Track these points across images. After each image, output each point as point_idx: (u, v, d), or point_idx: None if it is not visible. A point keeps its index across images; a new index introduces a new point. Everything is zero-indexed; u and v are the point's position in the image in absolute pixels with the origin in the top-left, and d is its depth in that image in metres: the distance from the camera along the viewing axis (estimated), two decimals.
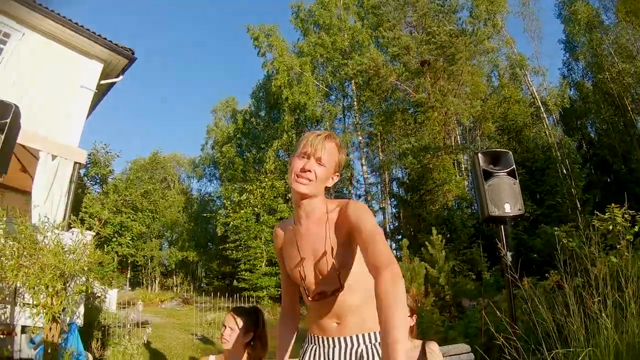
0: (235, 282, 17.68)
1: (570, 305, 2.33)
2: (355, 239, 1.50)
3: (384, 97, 20.93)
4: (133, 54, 8.17)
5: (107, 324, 7.39)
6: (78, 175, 7.13)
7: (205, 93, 59.78)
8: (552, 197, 17.55)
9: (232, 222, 17.28)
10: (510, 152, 3.20)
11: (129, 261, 22.67)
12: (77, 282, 4.73)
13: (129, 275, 23.71)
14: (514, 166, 3.10)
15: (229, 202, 18.88)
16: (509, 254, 2.78)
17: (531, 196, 18.17)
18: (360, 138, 22.30)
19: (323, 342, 1.67)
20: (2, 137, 3.11)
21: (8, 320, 4.97)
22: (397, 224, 20.96)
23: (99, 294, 6.80)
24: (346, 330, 1.61)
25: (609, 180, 22.01)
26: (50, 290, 4.13)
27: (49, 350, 4.45)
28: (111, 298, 9.57)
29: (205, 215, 24.84)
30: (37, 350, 5.14)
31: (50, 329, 4.34)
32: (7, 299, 4.76)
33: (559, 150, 19.58)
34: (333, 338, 1.63)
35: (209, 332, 9.78)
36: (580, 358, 2.06)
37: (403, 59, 18.70)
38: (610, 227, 6.96)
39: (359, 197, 23.03)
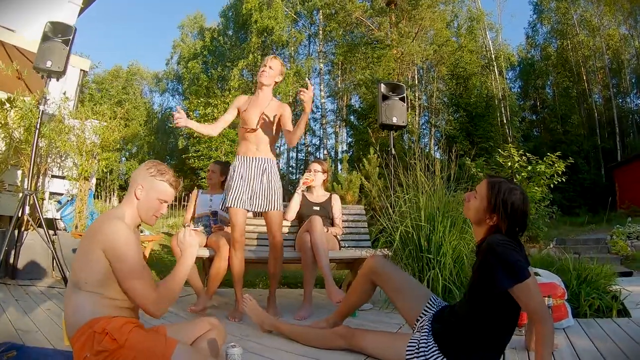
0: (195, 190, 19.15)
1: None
2: (282, 119, 2.96)
3: (348, 29, 22.08)
4: None
5: None
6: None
7: (171, 9, 56.67)
8: (486, 141, 19.65)
9: (195, 134, 18.38)
10: (404, 85, 4.97)
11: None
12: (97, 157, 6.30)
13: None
14: (405, 94, 4.85)
15: (193, 115, 19.83)
16: (393, 149, 4.65)
17: (468, 137, 20.46)
18: (322, 65, 23.66)
19: (246, 159, 2.94)
20: (68, 48, 4.29)
21: (40, 188, 6.32)
22: (348, 150, 23.03)
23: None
24: (259, 153, 2.95)
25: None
26: (85, 156, 5.75)
27: (79, 204, 6.16)
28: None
29: (170, 125, 25.63)
30: (61, 210, 6.77)
31: (82, 185, 6.01)
32: (42, 170, 6.05)
33: (502, 100, 21.78)
34: (251, 157, 2.94)
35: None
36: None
37: None
38: (509, 163, 9.14)
39: (316, 120, 24.96)
